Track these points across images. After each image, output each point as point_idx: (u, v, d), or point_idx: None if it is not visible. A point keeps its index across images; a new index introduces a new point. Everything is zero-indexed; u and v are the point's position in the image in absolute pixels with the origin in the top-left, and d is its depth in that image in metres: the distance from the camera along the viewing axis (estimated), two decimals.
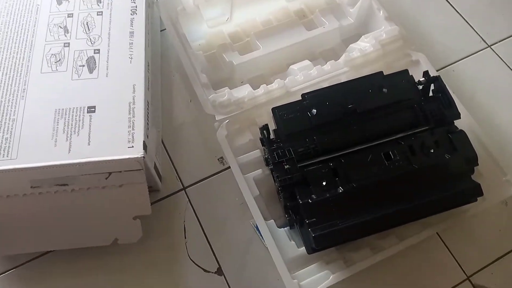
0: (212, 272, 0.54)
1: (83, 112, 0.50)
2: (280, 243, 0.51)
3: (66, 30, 0.56)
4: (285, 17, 0.68)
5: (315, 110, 0.52)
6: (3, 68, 0.53)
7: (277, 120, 0.52)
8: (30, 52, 0.54)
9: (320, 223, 0.47)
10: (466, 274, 0.55)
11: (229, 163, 0.54)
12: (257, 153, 0.56)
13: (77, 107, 0.51)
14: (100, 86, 0.52)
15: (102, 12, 0.57)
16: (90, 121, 0.50)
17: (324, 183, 0.48)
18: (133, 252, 0.54)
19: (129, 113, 0.50)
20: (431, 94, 0.55)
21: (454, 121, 0.53)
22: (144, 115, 0.51)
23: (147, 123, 0.52)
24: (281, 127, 0.52)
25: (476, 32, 0.72)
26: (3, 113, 0.50)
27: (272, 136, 0.53)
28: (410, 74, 0.55)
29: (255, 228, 0.56)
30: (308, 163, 0.50)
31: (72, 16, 0.57)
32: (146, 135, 0.50)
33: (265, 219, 0.51)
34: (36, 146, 0.48)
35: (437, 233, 0.56)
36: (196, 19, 0.65)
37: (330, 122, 0.52)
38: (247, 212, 0.52)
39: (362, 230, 0.48)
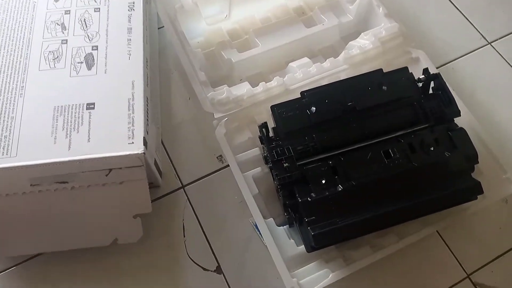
0: (211, 271, 0.54)
1: (82, 109, 0.50)
2: (280, 241, 0.50)
3: (63, 27, 0.56)
4: (284, 14, 0.68)
5: (314, 108, 0.52)
6: (1, 66, 0.52)
7: (276, 118, 0.52)
8: (27, 50, 0.54)
9: (319, 222, 0.47)
10: (466, 272, 0.55)
11: (228, 161, 0.53)
12: (256, 151, 0.56)
13: (76, 104, 0.50)
14: (99, 82, 0.52)
15: (99, 8, 0.57)
16: (89, 118, 0.50)
17: (323, 181, 0.48)
18: (132, 251, 0.54)
19: (129, 109, 0.50)
20: (431, 92, 0.55)
21: (454, 119, 0.53)
22: (143, 111, 0.50)
23: (147, 119, 0.52)
24: (280, 125, 0.52)
25: (476, 29, 0.72)
26: (2, 111, 0.50)
27: (271, 134, 0.53)
28: (410, 71, 0.55)
29: (254, 227, 0.55)
30: (307, 161, 0.50)
31: (69, 13, 0.57)
32: (146, 131, 0.50)
33: (264, 217, 0.51)
34: (36, 143, 0.48)
35: (437, 231, 0.56)
36: (195, 16, 0.64)
37: (329, 120, 0.52)
38: (246, 210, 0.52)
39: (361, 229, 0.48)
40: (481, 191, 0.49)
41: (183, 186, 0.59)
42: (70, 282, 0.53)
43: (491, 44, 0.71)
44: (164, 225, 0.56)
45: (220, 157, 0.60)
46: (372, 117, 0.52)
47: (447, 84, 0.54)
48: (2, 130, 0.48)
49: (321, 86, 0.56)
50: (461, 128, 0.52)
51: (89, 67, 0.53)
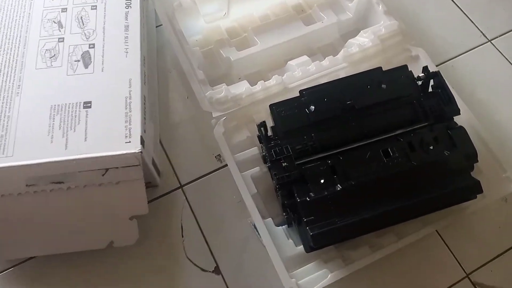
0: (210, 271, 0.54)
1: (79, 108, 0.50)
2: (278, 241, 0.50)
3: (60, 25, 0.55)
4: (283, 12, 0.67)
5: (313, 107, 0.51)
6: None
7: (275, 117, 0.52)
8: (24, 48, 0.53)
9: (318, 221, 0.46)
10: (465, 272, 0.55)
11: (227, 160, 0.53)
12: (254, 151, 0.55)
13: (73, 103, 0.50)
14: (96, 81, 0.52)
15: (96, 6, 0.56)
16: (86, 116, 0.49)
17: (322, 181, 0.48)
18: (130, 252, 0.53)
19: (126, 108, 0.50)
20: (431, 90, 0.55)
21: (454, 117, 0.53)
22: (141, 110, 0.50)
23: (144, 118, 0.51)
24: (279, 124, 0.51)
25: (476, 27, 0.71)
26: None
27: (270, 133, 0.53)
28: (410, 69, 0.54)
29: (253, 227, 0.55)
30: (306, 160, 0.49)
31: (66, 11, 0.56)
32: (143, 130, 0.50)
33: (263, 217, 0.51)
34: (32, 143, 0.48)
35: (436, 230, 0.56)
36: (193, 14, 0.64)
37: (328, 119, 0.51)
38: (244, 210, 0.52)
39: (360, 228, 0.48)
40: (480, 190, 0.49)
41: (181, 186, 0.58)
42: (68, 286, 0.53)
43: (491, 41, 0.70)
44: (162, 225, 0.56)
45: (219, 157, 0.60)
46: (371, 115, 0.52)
47: (447, 82, 0.54)
48: None
49: (320, 84, 0.55)
50: (461, 127, 0.52)
51: (86, 65, 0.52)
